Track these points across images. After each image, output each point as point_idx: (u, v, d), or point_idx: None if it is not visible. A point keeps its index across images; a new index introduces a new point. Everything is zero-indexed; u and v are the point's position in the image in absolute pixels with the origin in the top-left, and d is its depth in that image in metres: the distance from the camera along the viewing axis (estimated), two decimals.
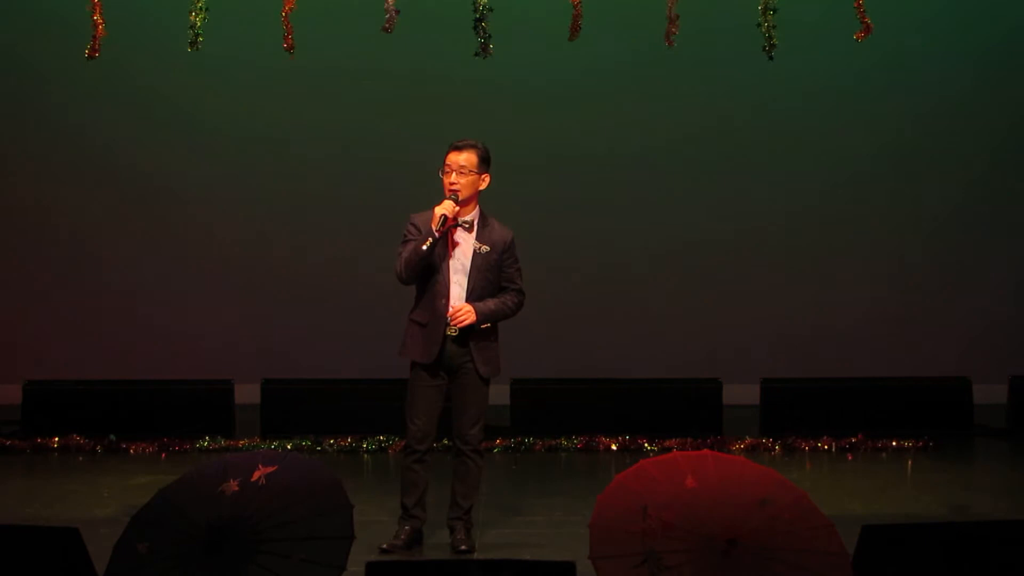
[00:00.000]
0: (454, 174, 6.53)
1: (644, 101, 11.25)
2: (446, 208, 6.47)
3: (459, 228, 6.56)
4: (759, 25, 8.52)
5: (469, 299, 6.53)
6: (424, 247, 6.42)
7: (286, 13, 8.51)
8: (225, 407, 9.98)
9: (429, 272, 6.53)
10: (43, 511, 7.62)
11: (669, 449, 9.30)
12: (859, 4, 8.52)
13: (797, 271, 11.36)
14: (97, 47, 8.51)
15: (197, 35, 8.46)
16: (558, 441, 9.67)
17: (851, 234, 11.40)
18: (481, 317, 6.52)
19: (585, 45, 9.11)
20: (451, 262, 6.55)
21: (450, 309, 6.50)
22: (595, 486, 5.20)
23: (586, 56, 10.64)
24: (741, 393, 10.36)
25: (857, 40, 8.62)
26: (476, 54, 8.55)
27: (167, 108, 11.22)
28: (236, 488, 4.82)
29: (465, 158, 6.56)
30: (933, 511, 7.48)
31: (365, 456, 9.39)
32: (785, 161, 11.35)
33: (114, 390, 10.16)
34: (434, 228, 6.44)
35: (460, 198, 6.52)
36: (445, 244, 6.54)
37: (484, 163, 6.61)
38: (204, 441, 9.60)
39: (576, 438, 9.69)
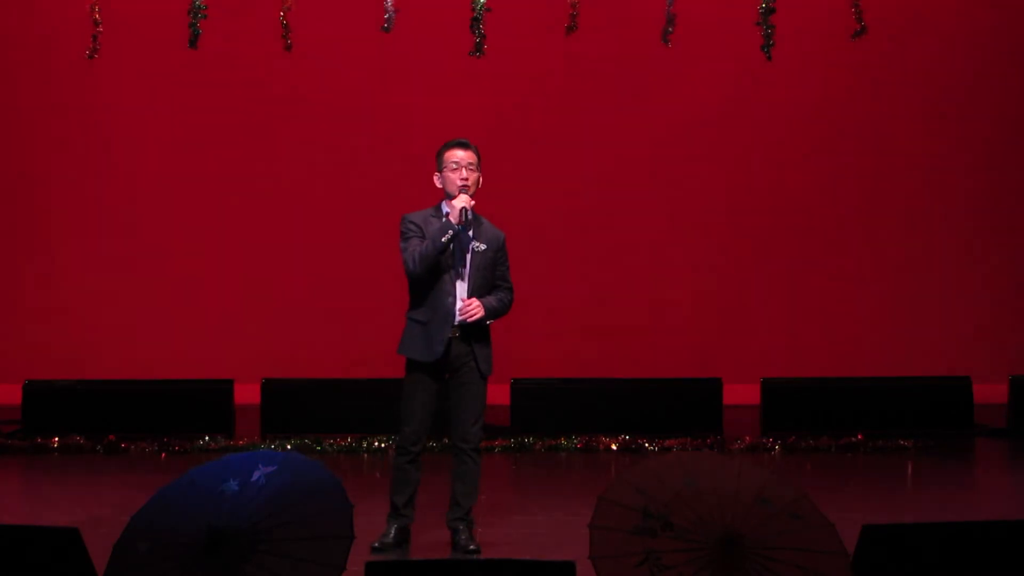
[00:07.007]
0: (464, 170, 6.53)
1: (642, 99, 11.25)
2: (464, 201, 6.46)
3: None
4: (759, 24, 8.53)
5: (471, 297, 6.53)
6: (444, 239, 6.40)
7: (284, 13, 8.51)
8: (225, 407, 9.98)
9: (433, 270, 6.52)
10: (43, 511, 7.61)
11: (669, 449, 9.30)
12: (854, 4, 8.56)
13: (798, 271, 11.37)
14: (98, 47, 8.51)
15: (196, 33, 8.46)
16: (558, 441, 9.67)
17: (852, 235, 11.40)
18: (488, 312, 6.53)
19: (583, 43, 9.11)
20: (453, 260, 6.56)
21: (459, 304, 6.49)
22: (595, 486, 5.18)
23: (583, 55, 10.64)
24: (741, 393, 10.36)
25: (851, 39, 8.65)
26: (471, 52, 8.54)
27: (165, 108, 11.23)
28: (236, 488, 4.81)
29: (471, 155, 6.57)
30: (933, 511, 7.47)
31: (365, 456, 9.38)
32: (786, 162, 11.35)
33: (114, 390, 10.17)
34: (454, 220, 6.42)
35: (471, 193, 6.52)
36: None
37: (480, 162, 6.62)
38: (204, 441, 9.61)
39: (576, 438, 9.69)
